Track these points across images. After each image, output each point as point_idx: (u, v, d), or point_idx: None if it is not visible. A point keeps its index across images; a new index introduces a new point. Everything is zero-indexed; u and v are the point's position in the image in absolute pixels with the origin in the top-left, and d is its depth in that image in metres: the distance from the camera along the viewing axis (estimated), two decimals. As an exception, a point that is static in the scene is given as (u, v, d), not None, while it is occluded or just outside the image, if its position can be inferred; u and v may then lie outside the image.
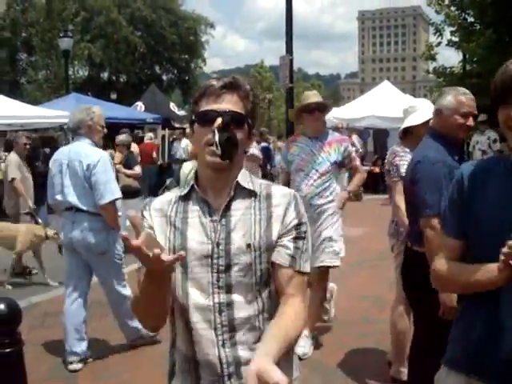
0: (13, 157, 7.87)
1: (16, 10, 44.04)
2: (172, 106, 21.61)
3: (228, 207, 1.75)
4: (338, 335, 5.18)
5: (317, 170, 4.78)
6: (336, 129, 12.15)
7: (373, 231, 9.24)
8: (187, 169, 5.99)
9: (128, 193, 8.73)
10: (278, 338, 1.58)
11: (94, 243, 4.65)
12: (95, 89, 40.63)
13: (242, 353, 1.72)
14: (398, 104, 16.73)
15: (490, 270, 1.78)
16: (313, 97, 4.99)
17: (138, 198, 8.95)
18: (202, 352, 1.73)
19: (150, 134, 16.15)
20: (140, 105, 19.82)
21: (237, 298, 1.72)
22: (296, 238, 1.76)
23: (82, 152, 4.60)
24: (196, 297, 1.73)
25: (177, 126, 21.21)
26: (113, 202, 4.59)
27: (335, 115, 16.98)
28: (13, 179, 7.57)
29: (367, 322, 5.56)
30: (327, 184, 4.81)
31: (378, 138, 18.52)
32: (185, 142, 15.05)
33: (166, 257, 1.45)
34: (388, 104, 16.78)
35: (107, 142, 15.00)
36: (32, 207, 7.85)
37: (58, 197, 4.70)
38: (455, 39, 13.10)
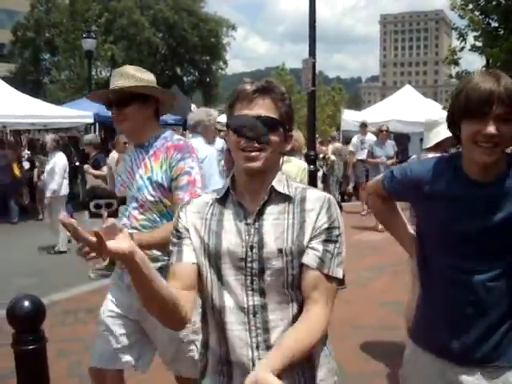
0: (116, 156, 8.18)
1: (40, 10, 44.63)
2: (193, 107, 21.65)
3: (262, 211, 1.75)
4: (356, 341, 5.15)
5: (136, 200, 2.84)
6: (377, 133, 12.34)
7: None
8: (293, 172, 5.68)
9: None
10: (286, 348, 1.59)
11: None
12: (117, 89, 40.91)
13: None
14: (419, 108, 16.76)
15: (409, 245, 2.30)
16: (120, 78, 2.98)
17: None
18: (236, 353, 1.73)
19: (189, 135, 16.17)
20: (162, 106, 19.91)
21: (270, 300, 1.72)
22: (326, 241, 1.74)
23: (199, 147, 5.05)
24: (231, 298, 1.73)
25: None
26: None
27: (356, 119, 16.94)
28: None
29: (387, 328, 5.51)
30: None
31: (399, 143, 18.37)
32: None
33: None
34: (410, 108, 16.73)
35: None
36: None
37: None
38: (479, 44, 12.94)
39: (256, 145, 1.70)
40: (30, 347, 2.71)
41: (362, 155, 12.89)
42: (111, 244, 1.38)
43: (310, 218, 1.75)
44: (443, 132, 3.90)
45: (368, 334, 5.33)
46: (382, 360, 4.80)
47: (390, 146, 11.61)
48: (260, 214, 1.75)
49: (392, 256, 8.26)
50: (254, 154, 1.70)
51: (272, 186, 1.77)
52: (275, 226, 1.74)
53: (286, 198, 1.78)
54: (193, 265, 1.78)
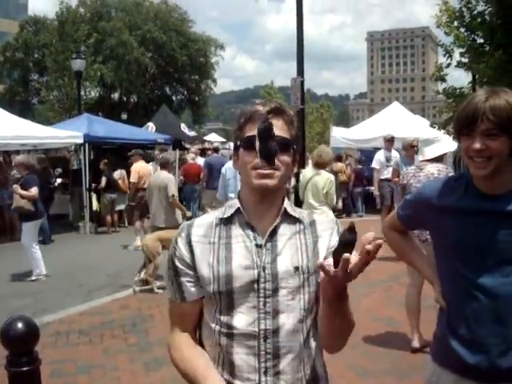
0: (170, 176, 8.67)
1: (29, 31, 44.66)
2: (183, 126, 21.71)
3: (274, 232, 1.73)
4: (350, 356, 5.14)
5: None
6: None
7: (387, 251, 9.21)
8: (322, 183, 7.04)
9: (21, 214, 9.10)
10: None
11: None
12: (106, 109, 40.95)
13: (284, 382, 1.69)
14: (407, 125, 16.88)
15: (429, 272, 2.30)
16: None
17: (33, 221, 8.98)
18: (243, 378, 1.68)
19: (192, 155, 15.97)
20: (151, 125, 19.91)
21: (283, 324, 1.68)
22: None
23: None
24: (241, 323, 1.68)
25: (187, 146, 21.29)
26: None
27: (345, 136, 17.04)
28: (173, 196, 8.27)
29: (380, 344, 5.52)
30: None
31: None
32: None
33: None
34: (398, 125, 16.82)
35: (119, 162, 15.12)
36: (190, 214, 9.45)
37: (231, 195, 6.23)
38: (465, 60, 13.12)
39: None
40: (24, 369, 2.68)
41: (387, 174, 11.33)
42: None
43: (323, 237, 1.77)
44: (439, 148, 5.50)
45: (362, 349, 5.32)
46: (376, 375, 4.80)
47: None
48: (272, 234, 1.73)
49: (385, 272, 8.30)
50: (269, 171, 1.68)
51: (285, 208, 1.76)
52: (289, 246, 1.73)
53: (295, 220, 1.78)
54: (196, 302, 1.76)
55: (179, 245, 1.77)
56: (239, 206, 1.76)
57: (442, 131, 13.55)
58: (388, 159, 11.78)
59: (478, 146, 1.88)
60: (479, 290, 1.98)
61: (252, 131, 1.70)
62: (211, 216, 1.82)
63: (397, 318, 6.30)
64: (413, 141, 8.99)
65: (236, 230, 1.75)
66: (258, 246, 1.71)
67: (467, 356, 2.02)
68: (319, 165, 7.19)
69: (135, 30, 44.45)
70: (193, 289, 1.75)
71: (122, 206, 14.03)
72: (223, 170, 7.53)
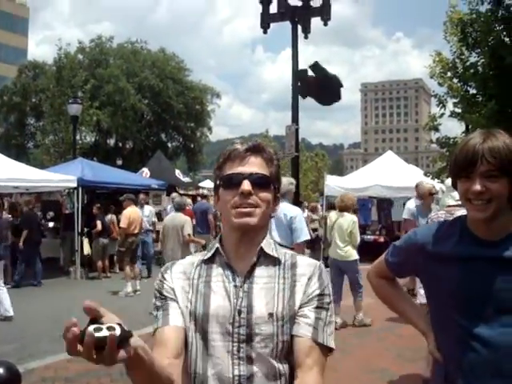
0: (187, 217, 9.75)
1: (27, 76, 45.24)
2: (177, 172, 21.79)
3: (251, 273, 1.70)
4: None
5: None
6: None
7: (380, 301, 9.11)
8: (346, 224, 7.92)
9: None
10: None
11: None
12: (101, 154, 41.11)
13: None
14: (401, 174, 16.99)
15: (421, 322, 2.19)
16: None
17: None
18: None
19: (189, 201, 16.17)
20: (146, 171, 19.97)
21: (257, 371, 1.62)
22: (318, 308, 1.68)
23: (287, 209, 6.58)
24: (214, 367, 1.63)
25: (181, 192, 21.31)
26: (303, 243, 6.69)
27: (339, 184, 17.08)
28: (189, 234, 9.39)
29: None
30: None
31: (382, 208, 18.58)
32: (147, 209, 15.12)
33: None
34: (392, 174, 16.93)
35: (110, 207, 15.08)
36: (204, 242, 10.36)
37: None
38: (458, 110, 13.28)
39: (250, 201, 1.67)
40: (4, 418, 2.57)
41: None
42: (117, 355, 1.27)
43: (301, 282, 1.70)
44: None
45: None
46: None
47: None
48: (249, 276, 1.70)
49: (377, 321, 8.18)
50: (249, 209, 1.67)
51: (261, 247, 1.73)
52: (266, 290, 1.68)
53: (275, 262, 1.73)
54: (180, 328, 1.68)
55: (166, 278, 1.77)
56: (218, 246, 1.76)
57: (436, 180, 13.61)
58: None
59: (478, 187, 1.85)
60: (476, 340, 1.90)
61: (231, 169, 1.71)
62: (195, 257, 1.83)
63: (392, 369, 6.18)
64: (431, 188, 8.21)
65: (216, 270, 1.74)
66: (236, 287, 1.68)
67: None
68: (342, 208, 8.17)
69: (132, 77, 45.03)
70: (178, 316, 1.69)
71: (113, 252, 13.96)
72: None
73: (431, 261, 2.03)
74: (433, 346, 2.09)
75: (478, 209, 1.88)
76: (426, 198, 8.06)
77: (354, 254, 8.18)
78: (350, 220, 7.98)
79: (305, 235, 6.65)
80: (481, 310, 1.91)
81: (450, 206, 5.47)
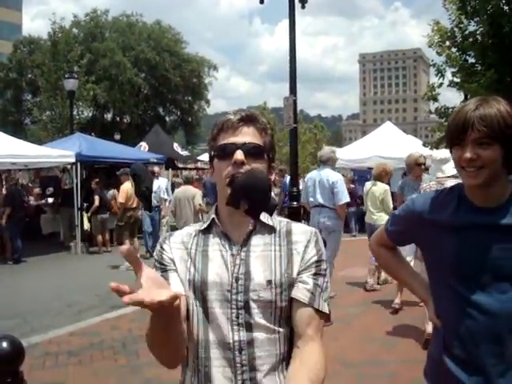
0: (196, 189, 11.13)
1: (22, 51, 44.83)
2: (175, 146, 21.67)
3: (247, 241, 1.72)
4: (346, 378, 5.06)
5: None
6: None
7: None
8: (378, 192, 8.32)
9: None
10: None
11: (330, 225, 7.56)
12: (99, 129, 40.91)
13: None
14: (400, 144, 16.92)
15: (421, 290, 2.20)
16: None
17: None
18: None
19: (185, 173, 16.09)
20: (144, 145, 19.86)
21: (257, 336, 1.65)
22: (316, 274, 1.72)
23: (329, 174, 7.63)
24: (215, 334, 1.66)
25: (180, 166, 21.26)
26: (344, 204, 7.66)
27: (338, 156, 17.05)
28: (199, 204, 10.44)
29: (375, 364, 5.44)
30: None
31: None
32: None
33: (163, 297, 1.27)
34: (390, 144, 16.88)
35: (111, 182, 15.06)
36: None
37: (311, 199, 7.78)
38: (456, 80, 13.18)
39: (243, 170, 1.67)
40: (8, 390, 2.60)
41: None
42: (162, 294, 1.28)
43: (298, 250, 1.72)
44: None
45: (358, 370, 5.24)
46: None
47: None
48: (245, 244, 1.72)
49: (377, 291, 8.24)
50: None
51: None
52: (262, 258, 1.70)
53: (270, 230, 1.75)
54: (182, 296, 1.68)
55: (164, 248, 1.79)
56: (214, 216, 1.78)
57: (435, 150, 13.56)
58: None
59: (468, 155, 1.86)
60: (474, 307, 1.92)
61: (225, 140, 1.72)
62: (192, 228, 1.85)
63: (392, 337, 6.24)
64: (417, 158, 7.52)
65: (213, 239, 1.76)
66: (233, 256, 1.70)
67: (464, 377, 1.95)
68: (376, 177, 8.57)
69: (128, 50, 44.71)
70: (179, 284, 1.71)
71: (113, 226, 13.97)
72: (306, 178, 8.78)
73: (429, 229, 2.03)
74: (432, 312, 2.10)
75: (470, 175, 1.89)
76: (413, 168, 7.50)
77: (385, 219, 8.31)
78: (382, 188, 8.31)
79: (345, 198, 7.62)
80: (478, 278, 1.91)
81: (439, 178, 5.55)
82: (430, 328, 5.41)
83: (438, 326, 2.08)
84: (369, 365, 5.42)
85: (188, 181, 11.14)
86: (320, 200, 7.63)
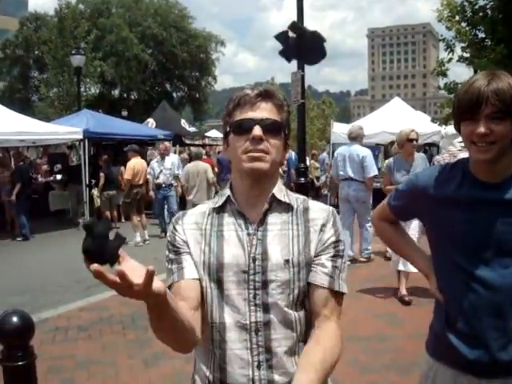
0: (207, 164, 11.56)
1: (29, 28, 44.62)
2: (183, 122, 21.63)
3: (264, 220, 1.69)
4: (351, 352, 5.10)
5: None
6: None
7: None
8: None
9: None
10: (316, 367, 1.52)
11: (360, 196, 8.54)
12: (106, 106, 40.84)
13: (278, 377, 1.64)
14: (409, 120, 16.79)
15: (423, 264, 2.20)
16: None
17: None
18: (234, 373, 1.63)
19: (193, 150, 15.07)
20: (151, 121, 19.85)
21: (274, 317, 1.64)
22: (334, 256, 1.70)
23: (358, 149, 8.54)
24: (231, 315, 1.64)
25: (187, 142, 21.23)
26: (373, 177, 8.57)
27: (346, 132, 16.98)
28: (212, 177, 11.11)
29: (381, 339, 5.48)
30: None
31: (389, 155, 18.49)
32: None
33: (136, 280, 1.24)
34: (399, 120, 16.75)
35: (117, 158, 15.09)
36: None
37: (341, 172, 8.60)
38: (466, 55, 13.04)
39: (261, 147, 1.64)
40: (19, 363, 2.65)
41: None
42: (150, 285, 1.26)
43: (315, 228, 1.71)
44: None
45: (363, 345, 5.28)
46: (378, 371, 4.76)
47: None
48: (262, 223, 1.69)
49: (384, 268, 8.26)
50: (259, 154, 1.64)
51: (273, 193, 1.71)
52: (280, 237, 1.68)
53: (287, 208, 1.73)
54: (196, 281, 1.68)
55: (178, 230, 1.75)
56: (229, 194, 1.74)
57: (444, 126, 13.47)
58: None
59: (482, 130, 1.83)
60: (477, 282, 1.93)
61: (242, 115, 1.68)
62: (205, 206, 1.80)
63: (398, 314, 6.28)
64: (409, 133, 6.83)
65: (228, 219, 1.72)
66: (250, 235, 1.67)
67: (466, 351, 1.96)
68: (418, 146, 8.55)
69: (135, 26, 44.40)
70: (192, 268, 1.69)
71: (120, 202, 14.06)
72: (335, 153, 9.47)
73: (433, 204, 2.03)
74: (434, 287, 2.11)
75: (480, 150, 1.87)
76: (405, 144, 6.84)
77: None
78: (421, 157, 7.93)
79: (374, 171, 8.49)
80: (482, 253, 1.92)
81: (451, 151, 5.57)
82: (403, 291, 6.67)
83: (441, 300, 2.08)
84: (374, 340, 5.47)
85: (197, 156, 11.44)
86: (350, 173, 8.46)
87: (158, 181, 12.20)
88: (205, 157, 15.41)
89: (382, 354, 5.08)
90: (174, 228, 1.75)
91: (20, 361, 2.65)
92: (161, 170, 12.21)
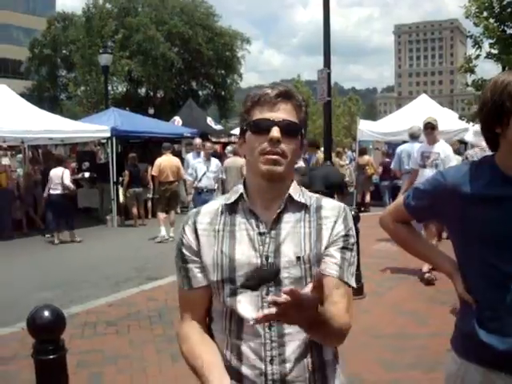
0: (243, 160, 11.02)
1: (56, 27, 45.17)
2: (209, 120, 21.73)
3: (278, 220, 1.70)
4: (376, 349, 5.11)
5: None
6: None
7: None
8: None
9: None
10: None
11: None
12: (133, 104, 41.17)
13: (290, 371, 1.66)
14: (436, 117, 16.61)
15: (448, 265, 2.11)
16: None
17: None
18: (248, 367, 1.67)
19: (230, 148, 14.23)
20: (177, 119, 19.97)
21: None
22: (343, 248, 1.71)
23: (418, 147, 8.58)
24: (245, 311, 1.66)
25: (214, 140, 21.31)
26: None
27: (372, 129, 16.90)
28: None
29: (405, 337, 5.46)
30: None
31: (415, 152, 18.34)
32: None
33: None
34: (426, 117, 16.60)
35: (146, 156, 15.22)
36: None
37: (406, 167, 9.52)
38: (494, 51, 12.88)
39: (278, 149, 1.65)
40: (51, 357, 2.71)
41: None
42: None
43: (327, 225, 1.72)
44: None
45: (388, 343, 5.28)
46: (402, 369, 4.75)
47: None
48: (276, 222, 1.70)
49: (410, 266, 8.22)
50: (276, 157, 1.65)
51: (289, 194, 1.73)
52: (292, 235, 1.70)
53: (301, 207, 1.74)
54: (203, 288, 1.74)
55: (186, 232, 1.77)
56: (242, 191, 1.74)
57: (471, 124, 13.33)
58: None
59: None
60: (511, 279, 1.89)
61: (261, 115, 1.67)
62: (218, 202, 1.81)
63: (422, 312, 6.25)
64: (429, 121, 7.94)
65: (239, 218, 1.73)
66: (261, 235, 1.69)
67: (500, 348, 1.91)
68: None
69: (161, 25, 44.62)
70: (199, 275, 1.74)
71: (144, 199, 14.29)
72: (398, 150, 10.38)
73: (462, 203, 1.97)
74: (461, 287, 2.05)
75: None
76: (426, 130, 8.05)
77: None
78: (456, 159, 8.74)
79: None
80: None
81: (482, 147, 5.56)
82: (425, 268, 7.17)
83: (470, 301, 2.02)
84: (398, 337, 5.45)
85: (235, 152, 11.90)
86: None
87: (200, 184, 11.07)
88: (230, 154, 15.47)
89: (406, 352, 5.07)
90: (183, 229, 1.78)
91: (51, 354, 2.71)
92: (204, 173, 11.14)
